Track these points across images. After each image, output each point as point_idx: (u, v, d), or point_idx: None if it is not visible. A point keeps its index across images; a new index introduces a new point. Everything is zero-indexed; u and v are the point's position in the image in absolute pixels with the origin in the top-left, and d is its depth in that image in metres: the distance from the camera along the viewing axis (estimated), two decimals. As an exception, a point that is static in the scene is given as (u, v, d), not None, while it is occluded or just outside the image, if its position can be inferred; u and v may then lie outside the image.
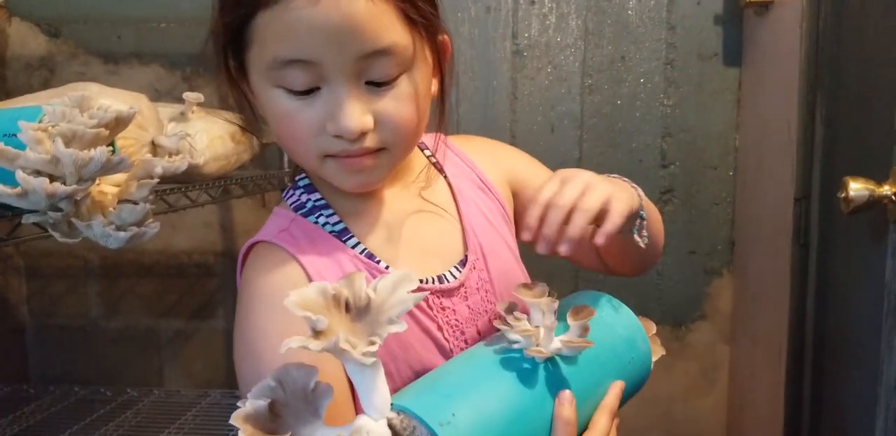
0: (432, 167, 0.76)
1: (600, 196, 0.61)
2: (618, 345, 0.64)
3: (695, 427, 1.55)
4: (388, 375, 0.64)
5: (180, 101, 1.57)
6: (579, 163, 1.51)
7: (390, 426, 0.50)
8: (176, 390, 1.44)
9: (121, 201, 0.58)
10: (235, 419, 0.47)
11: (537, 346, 0.57)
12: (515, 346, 0.57)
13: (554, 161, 1.51)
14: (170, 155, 0.66)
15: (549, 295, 0.59)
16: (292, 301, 0.47)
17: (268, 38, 0.58)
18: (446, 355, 0.68)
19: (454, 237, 0.73)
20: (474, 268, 0.71)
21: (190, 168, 0.93)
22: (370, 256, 0.67)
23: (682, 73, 1.49)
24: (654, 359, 0.70)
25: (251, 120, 0.70)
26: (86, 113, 0.52)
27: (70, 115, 0.52)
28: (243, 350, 0.63)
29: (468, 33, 1.50)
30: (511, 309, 0.58)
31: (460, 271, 0.71)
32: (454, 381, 0.56)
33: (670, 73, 1.49)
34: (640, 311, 1.56)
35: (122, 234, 0.55)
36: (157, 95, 1.56)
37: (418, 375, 0.64)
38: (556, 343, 0.57)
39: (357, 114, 0.58)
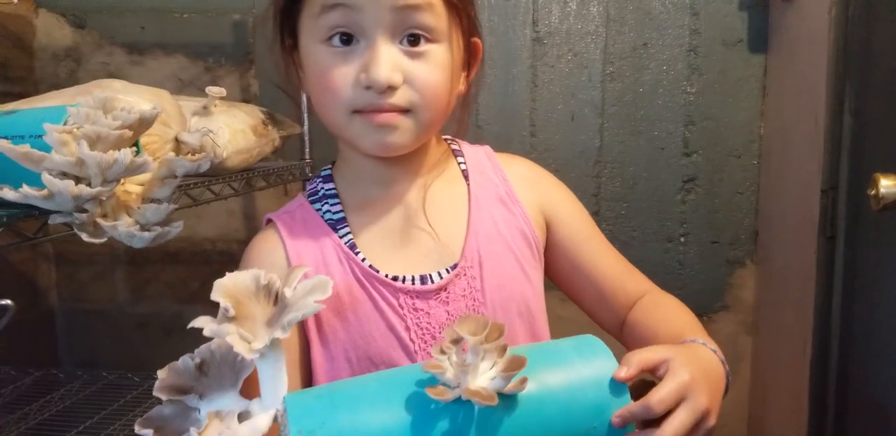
0: (447, 168, 0.77)
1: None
2: (576, 408, 0.54)
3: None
4: (348, 361, 0.68)
5: (203, 90, 1.59)
6: (600, 151, 1.50)
7: (276, 418, 0.52)
8: (201, 376, 1.46)
9: (145, 200, 0.59)
10: (162, 370, 0.54)
11: (456, 387, 0.51)
12: (441, 379, 0.52)
13: (574, 149, 1.51)
14: (192, 153, 0.67)
15: (490, 333, 0.52)
16: (222, 283, 0.53)
17: None
18: (410, 355, 0.69)
19: (453, 242, 0.73)
20: (464, 275, 0.71)
21: (212, 162, 0.94)
22: (353, 247, 0.71)
23: (706, 60, 1.46)
24: None
25: (293, 96, 0.75)
26: (109, 114, 0.53)
27: (94, 116, 0.52)
28: None
29: (487, 21, 1.49)
30: (456, 339, 0.53)
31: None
32: (353, 394, 0.53)
33: (694, 60, 1.47)
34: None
35: (146, 234, 0.56)
36: (180, 85, 1.57)
37: (378, 367, 0.68)
38: (457, 390, 0.51)
39: (388, 67, 0.63)
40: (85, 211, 0.54)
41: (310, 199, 0.75)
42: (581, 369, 0.55)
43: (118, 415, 1.19)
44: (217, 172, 0.96)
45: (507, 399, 0.52)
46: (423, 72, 0.65)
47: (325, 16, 0.64)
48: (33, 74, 1.60)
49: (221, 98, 0.98)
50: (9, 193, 0.51)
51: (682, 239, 1.51)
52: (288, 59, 0.72)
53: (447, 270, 0.71)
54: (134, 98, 0.73)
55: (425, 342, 0.69)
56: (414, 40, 0.65)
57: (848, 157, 1.05)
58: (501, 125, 1.51)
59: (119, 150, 0.54)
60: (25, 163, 0.51)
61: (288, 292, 0.53)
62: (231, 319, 0.51)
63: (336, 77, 0.65)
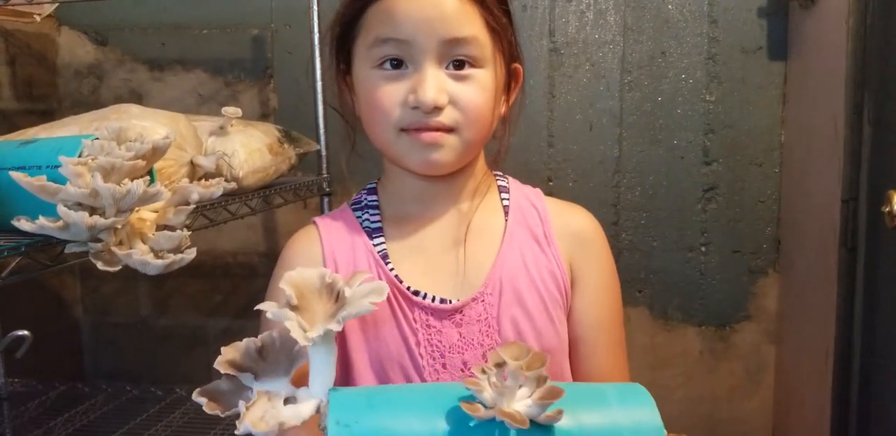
0: (486, 197, 0.78)
1: None
2: None
3: (739, 429, 1.53)
4: (361, 361, 0.71)
5: (223, 105, 1.60)
6: (619, 161, 1.50)
7: (318, 408, 0.56)
8: (223, 388, 1.47)
9: (159, 227, 0.60)
10: (226, 347, 0.57)
11: (491, 407, 0.52)
12: (478, 397, 0.53)
13: (593, 160, 1.50)
14: (206, 178, 0.68)
15: (532, 361, 0.53)
16: (290, 275, 0.57)
17: (373, 24, 0.70)
18: (418, 368, 0.71)
19: (479, 270, 0.74)
20: (482, 301, 0.72)
21: (229, 181, 0.95)
22: (384, 257, 0.74)
23: (725, 67, 1.45)
24: None
25: (348, 116, 0.79)
26: (123, 145, 0.54)
27: (108, 148, 0.53)
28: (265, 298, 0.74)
29: (505, 32, 1.49)
30: (499, 363, 0.54)
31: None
32: (391, 398, 0.56)
33: (713, 68, 1.46)
34: (684, 311, 1.54)
35: (158, 262, 0.57)
36: (200, 100, 1.59)
37: (387, 372, 0.71)
38: (492, 410, 0.52)
39: (435, 89, 0.68)
40: (100, 240, 0.55)
41: (353, 207, 0.80)
42: (620, 413, 0.55)
43: (140, 430, 1.20)
44: (234, 192, 0.97)
45: (541, 430, 0.53)
46: (468, 93, 0.69)
47: (378, 47, 0.70)
48: (57, 92, 1.63)
49: (237, 118, 0.99)
50: (26, 225, 0.53)
51: (703, 248, 1.50)
52: (341, 82, 0.77)
53: (467, 295, 0.73)
54: (150, 123, 0.74)
55: (433, 360, 0.71)
56: (459, 65, 0.70)
57: (868, 167, 1.04)
58: (519, 136, 1.50)
59: (133, 179, 0.55)
60: (42, 195, 0.52)
61: (348, 292, 0.56)
62: (293, 308, 0.55)
63: (385, 97, 0.70)
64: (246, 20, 1.56)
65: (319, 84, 1.35)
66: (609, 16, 1.47)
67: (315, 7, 1.31)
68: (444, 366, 0.71)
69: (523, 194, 0.80)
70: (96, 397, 1.35)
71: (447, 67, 0.69)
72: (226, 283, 1.65)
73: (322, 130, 1.36)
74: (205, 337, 1.67)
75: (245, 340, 0.57)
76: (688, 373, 1.53)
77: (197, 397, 0.55)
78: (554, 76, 1.50)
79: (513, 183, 0.82)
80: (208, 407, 0.55)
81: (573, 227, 0.78)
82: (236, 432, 0.54)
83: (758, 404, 1.52)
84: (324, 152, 1.35)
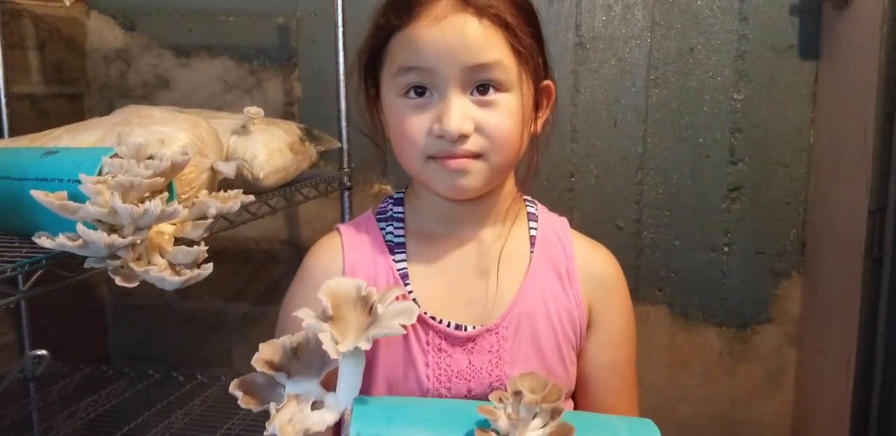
0: (514, 227, 0.77)
1: None
2: None
3: (757, 431, 1.52)
4: (366, 375, 0.69)
5: (248, 92, 1.60)
6: (642, 158, 1.48)
7: (344, 415, 0.58)
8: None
9: (177, 239, 0.61)
10: (264, 344, 0.58)
11: (500, 434, 0.55)
12: (493, 425, 0.56)
13: (616, 156, 1.49)
14: (225, 190, 0.68)
15: (549, 394, 0.55)
16: (329, 284, 0.58)
17: (397, 53, 0.70)
18: (422, 390, 0.71)
19: (498, 302, 0.74)
20: (496, 333, 0.72)
21: (250, 183, 0.95)
22: (404, 276, 0.74)
23: (755, 66, 1.42)
24: None
25: (377, 137, 0.79)
26: (142, 163, 0.55)
27: (127, 166, 0.54)
28: (283, 304, 0.77)
29: (531, 25, 1.47)
30: (516, 392, 0.56)
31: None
32: (415, 414, 0.58)
33: (741, 66, 1.43)
34: (704, 311, 1.52)
35: (176, 279, 0.58)
36: (226, 87, 1.60)
37: (389, 389, 0.72)
38: None
39: (459, 118, 0.67)
40: (118, 257, 0.56)
41: (377, 217, 0.79)
42: None
43: (161, 417, 1.23)
44: (255, 191, 0.98)
45: None
46: (493, 120, 0.69)
47: (402, 75, 0.70)
48: (85, 76, 1.64)
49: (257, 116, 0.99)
50: (46, 242, 0.54)
51: (726, 249, 1.48)
52: (372, 107, 0.77)
53: (482, 325, 0.73)
54: (171, 129, 0.75)
55: (440, 383, 0.71)
56: (484, 90, 0.69)
57: (898, 179, 1.02)
58: (542, 131, 1.49)
59: (151, 195, 0.55)
60: (62, 212, 0.53)
61: (380, 308, 0.57)
62: (328, 318, 0.56)
63: (412, 127, 0.70)
64: (271, 8, 1.56)
65: (343, 74, 1.34)
66: (637, 10, 1.44)
67: (340, -4, 1.30)
68: (448, 390, 0.71)
69: (550, 225, 0.79)
70: (119, 380, 1.38)
71: (472, 93, 0.69)
72: (247, 269, 1.67)
73: (344, 122, 1.36)
74: (225, 321, 1.70)
75: (282, 338, 0.59)
76: (706, 373, 1.52)
77: (234, 389, 0.57)
78: (579, 71, 1.48)
79: (541, 210, 0.81)
80: (244, 401, 0.57)
81: (595, 269, 0.78)
82: (265, 433, 0.56)
83: (776, 407, 1.51)
84: (345, 147, 1.34)
